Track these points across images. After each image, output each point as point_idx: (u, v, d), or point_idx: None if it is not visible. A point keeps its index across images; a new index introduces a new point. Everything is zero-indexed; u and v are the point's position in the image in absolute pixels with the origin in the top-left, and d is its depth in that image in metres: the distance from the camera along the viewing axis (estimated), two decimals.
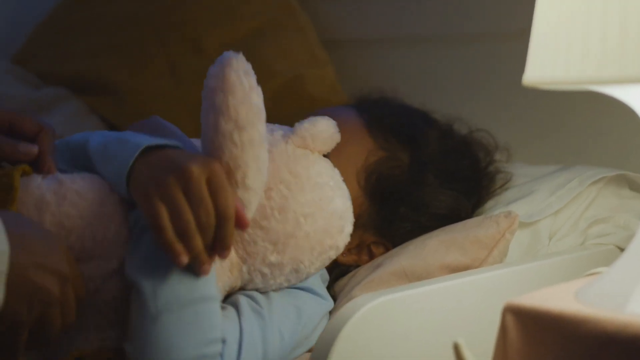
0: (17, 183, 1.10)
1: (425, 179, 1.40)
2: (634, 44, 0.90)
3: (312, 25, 1.98)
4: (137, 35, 1.93)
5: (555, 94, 1.49)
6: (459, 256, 1.27)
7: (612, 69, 0.90)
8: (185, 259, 1.04)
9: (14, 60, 2.00)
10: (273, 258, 1.17)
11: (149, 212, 1.05)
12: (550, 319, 0.98)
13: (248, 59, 1.89)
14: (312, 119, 1.19)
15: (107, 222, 1.11)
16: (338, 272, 1.38)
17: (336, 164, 1.29)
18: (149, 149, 1.09)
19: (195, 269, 1.07)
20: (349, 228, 1.22)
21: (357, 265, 1.39)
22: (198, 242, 1.05)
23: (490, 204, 1.44)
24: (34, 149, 1.12)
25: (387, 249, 1.39)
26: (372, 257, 1.39)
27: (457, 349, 0.96)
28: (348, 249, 1.38)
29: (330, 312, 1.26)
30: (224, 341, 1.10)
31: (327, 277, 1.33)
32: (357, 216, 1.35)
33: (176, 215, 1.04)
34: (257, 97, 1.07)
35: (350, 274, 1.37)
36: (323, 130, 1.18)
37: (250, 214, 1.11)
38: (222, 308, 1.14)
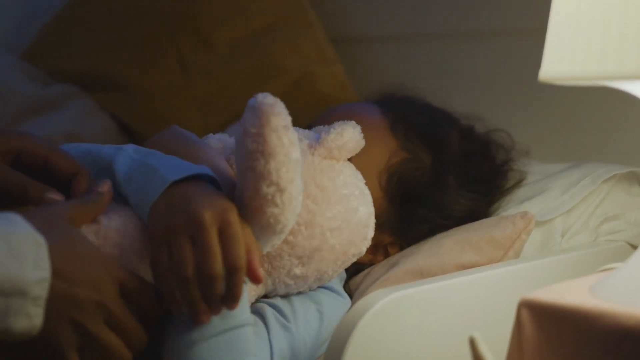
0: None
1: (446, 182, 1.39)
2: None
3: (320, 22, 1.98)
4: (147, 31, 1.93)
5: (568, 91, 1.50)
6: (474, 256, 1.28)
7: (632, 64, 0.90)
8: (178, 307, 1.03)
9: (23, 57, 2.00)
10: (298, 271, 1.18)
11: (152, 256, 1.04)
12: (566, 314, 0.98)
13: (258, 56, 1.92)
14: (338, 128, 1.18)
15: (147, 257, 1.09)
16: (353, 270, 1.38)
17: (359, 164, 1.30)
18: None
19: (192, 317, 1.04)
20: (371, 233, 1.23)
21: (371, 263, 1.39)
22: (194, 293, 1.02)
23: (502, 201, 1.44)
24: (58, 202, 1.07)
25: (403, 249, 1.39)
26: (387, 256, 1.40)
27: (473, 344, 0.96)
28: None
29: None
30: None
31: (344, 275, 1.34)
32: (376, 217, 1.35)
33: (175, 264, 1.02)
34: (296, 152, 1.04)
35: (364, 272, 1.37)
36: (350, 140, 1.18)
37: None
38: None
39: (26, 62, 1.97)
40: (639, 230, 1.35)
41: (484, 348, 0.95)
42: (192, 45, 1.92)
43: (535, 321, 1.00)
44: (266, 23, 1.95)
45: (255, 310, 1.17)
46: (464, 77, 1.86)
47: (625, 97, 1.07)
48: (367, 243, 1.23)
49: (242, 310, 1.08)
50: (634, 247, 1.33)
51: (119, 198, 1.11)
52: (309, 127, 1.28)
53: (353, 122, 1.19)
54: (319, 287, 1.24)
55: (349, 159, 1.23)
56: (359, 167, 1.32)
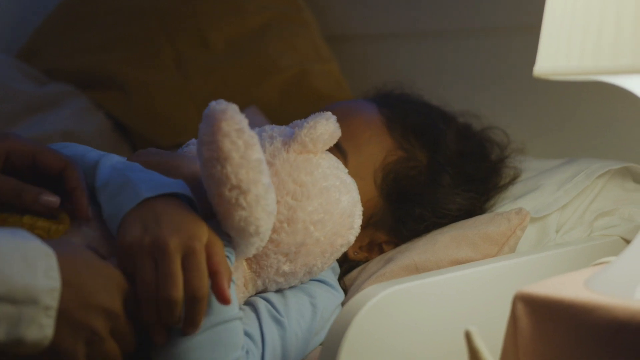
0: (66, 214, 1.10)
1: (442, 181, 1.39)
2: None
3: (316, 20, 1.99)
4: (143, 29, 1.94)
5: (563, 87, 1.51)
6: (469, 252, 1.28)
7: (626, 59, 0.91)
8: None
9: (19, 56, 2.01)
10: (286, 267, 1.18)
11: (120, 266, 1.04)
12: (561, 307, 0.98)
13: (254, 54, 1.92)
14: (311, 121, 1.17)
15: None
16: (347, 266, 1.38)
17: (355, 162, 1.30)
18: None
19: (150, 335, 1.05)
20: (358, 221, 1.23)
21: (367, 260, 1.39)
22: (150, 313, 1.03)
23: (497, 198, 1.44)
24: (56, 203, 1.08)
25: (397, 247, 1.39)
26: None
27: (468, 337, 0.96)
28: (359, 246, 1.39)
29: (342, 305, 1.27)
30: (247, 352, 1.11)
31: (338, 269, 1.34)
32: (371, 215, 1.36)
33: (137, 283, 1.03)
34: (255, 152, 1.05)
35: (360, 267, 1.37)
36: (323, 132, 1.17)
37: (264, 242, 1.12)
38: (243, 311, 1.15)
39: (22, 61, 1.98)
40: (633, 225, 1.35)
41: (479, 341, 0.96)
42: (188, 44, 1.92)
43: (530, 314, 1.01)
44: (262, 22, 1.96)
45: (248, 303, 1.18)
46: (460, 74, 1.87)
47: (619, 93, 1.08)
48: (355, 232, 1.22)
49: (231, 306, 1.09)
50: (628, 242, 1.34)
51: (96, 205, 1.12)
52: None
53: (327, 114, 1.18)
54: (312, 279, 1.24)
55: (344, 154, 1.23)
56: (354, 165, 1.32)
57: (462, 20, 1.87)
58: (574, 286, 1.03)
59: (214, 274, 1.05)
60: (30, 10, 2.12)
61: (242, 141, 1.03)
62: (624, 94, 1.05)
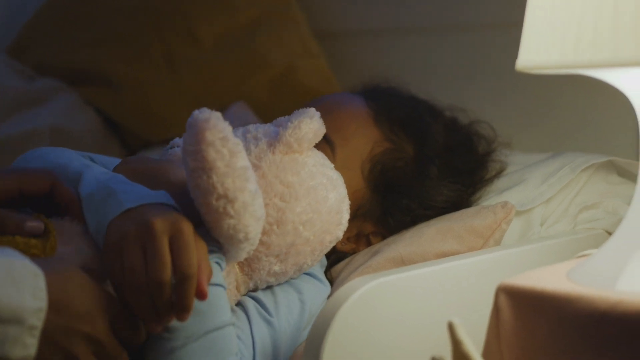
0: (51, 227, 1.09)
1: (429, 173, 1.40)
2: (628, 28, 0.91)
3: (304, 16, 2.00)
4: (133, 26, 1.94)
5: (546, 82, 1.51)
6: (455, 245, 1.29)
7: (606, 52, 0.92)
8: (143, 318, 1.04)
9: (8, 51, 2.01)
10: (277, 268, 1.19)
11: (104, 265, 1.04)
12: (543, 298, 1.00)
13: (243, 50, 1.93)
14: (295, 121, 1.17)
15: None
16: (335, 257, 1.39)
17: (342, 154, 1.31)
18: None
19: (146, 326, 1.05)
20: (346, 216, 1.24)
21: (354, 252, 1.40)
22: (144, 301, 1.02)
23: (483, 192, 1.45)
24: (40, 228, 1.08)
25: (385, 239, 1.40)
26: (369, 246, 1.41)
27: (451, 328, 0.97)
28: (346, 237, 1.40)
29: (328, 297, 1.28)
30: (240, 358, 1.11)
31: (325, 261, 1.35)
32: (358, 206, 1.36)
33: (126, 271, 1.02)
34: (240, 160, 1.05)
35: (347, 260, 1.38)
36: (307, 131, 1.17)
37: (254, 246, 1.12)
38: (233, 312, 1.16)
39: (11, 57, 1.98)
40: (617, 218, 1.36)
41: (462, 333, 0.97)
42: (178, 40, 1.93)
43: (512, 306, 1.02)
44: (251, 18, 1.96)
45: (238, 303, 1.18)
46: (446, 69, 1.88)
47: (604, 87, 1.08)
48: (343, 227, 1.23)
49: (222, 311, 1.09)
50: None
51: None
52: None
53: (311, 111, 1.18)
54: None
55: (332, 144, 1.23)
56: (342, 157, 1.33)
57: (449, 16, 1.88)
58: (556, 278, 1.04)
59: None
60: (19, 7, 2.12)
61: (226, 149, 1.03)
62: (608, 88, 1.06)
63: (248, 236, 1.07)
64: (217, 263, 1.11)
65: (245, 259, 1.16)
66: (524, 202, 1.38)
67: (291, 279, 1.24)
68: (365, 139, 1.39)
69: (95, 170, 1.15)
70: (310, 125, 1.17)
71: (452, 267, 1.19)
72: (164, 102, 1.89)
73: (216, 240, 1.10)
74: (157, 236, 1.02)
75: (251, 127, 1.21)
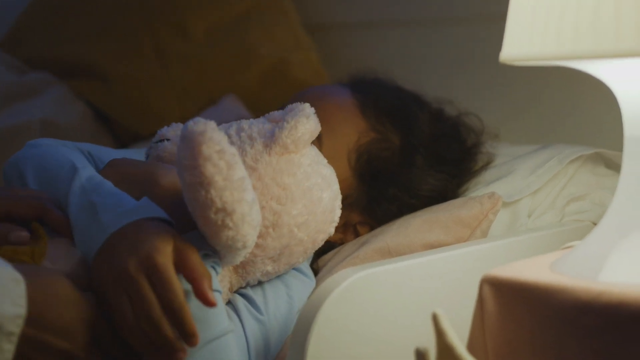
0: (43, 232, 1.10)
1: (415, 162, 1.41)
2: (609, 20, 0.92)
3: (295, 9, 2.00)
4: (123, 19, 1.94)
5: (533, 73, 1.52)
6: (441, 235, 1.29)
7: (587, 44, 0.92)
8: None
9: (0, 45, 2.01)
10: (270, 268, 1.19)
11: (104, 304, 1.04)
12: (526, 290, 1.00)
13: (234, 43, 1.93)
14: (292, 121, 1.15)
15: None
16: (322, 248, 1.39)
17: (329, 144, 1.30)
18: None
19: None
20: (338, 212, 1.23)
21: (342, 242, 1.41)
22: (143, 344, 1.03)
23: (471, 183, 1.46)
24: (26, 238, 1.09)
25: (373, 229, 1.41)
26: (357, 236, 1.41)
27: (435, 319, 0.97)
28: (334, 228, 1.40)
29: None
30: None
31: (311, 255, 1.35)
32: (345, 196, 1.37)
33: (117, 318, 1.03)
34: (237, 171, 1.03)
35: (334, 250, 1.38)
36: (304, 132, 1.15)
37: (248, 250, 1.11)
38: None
39: (2, 50, 1.98)
40: (604, 211, 1.36)
41: (446, 324, 0.97)
42: (168, 33, 1.93)
43: (496, 297, 1.02)
44: (242, 11, 1.96)
45: (227, 302, 1.18)
46: (436, 61, 1.88)
47: (585, 78, 1.09)
48: (335, 224, 1.23)
49: (220, 318, 1.09)
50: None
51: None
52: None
53: (306, 110, 1.16)
54: None
55: (323, 135, 1.23)
56: (328, 147, 1.33)
57: (438, 8, 1.88)
58: (539, 269, 1.04)
59: (192, 280, 1.04)
60: (11, 1, 2.11)
61: (224, 162, 1.01)
62: (596, 79, 1.06)
63: (246, 244, 1.06)
64: (213, 267, 1.10)
65: (241, 263, 1.16)
66: (512, 194, 1.38)
67: (281, 274, 1.24)
68: (351, 129, 1.39)
69: (84, 174, 1.14)
70: (307, 125, 1.15)
71: (438, 259, 1.20)
72: (154, 96, 1.89)
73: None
74: (133, 280, 1.02)
75: (244, 124, 1.18)
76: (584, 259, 1.02)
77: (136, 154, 1.34)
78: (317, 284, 1.29)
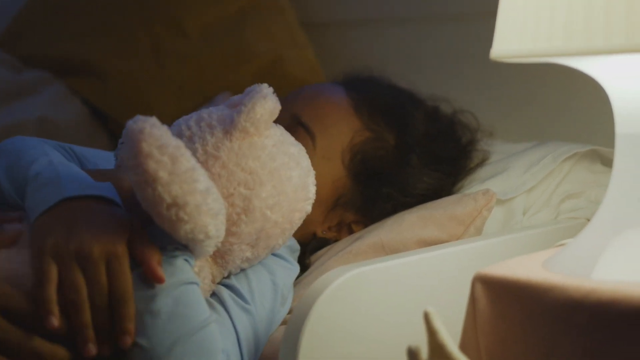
0: None
1: (410, 161, 1.40)
2: (600, 16, 0.91)
3: (291, 7, 2.00)
4: (120, 17, 1.94)
5: (528, 71, 1.51)
6: (435, 231, 1.29)
7: (578, 41, 0.92)
8: (55, 321, 1.03)
9: None
10: (249, 254, 1.17)
11: (39, 265, 1.04)
12: (517, 287, 0.99)
13: (230, 41, 1.93)
14: (249, 104, 1.11)
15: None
16: (315, 244, 1.39)
17: (322, 144, 1.30)
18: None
19: (77, 344, 1.04)
20: (312, 189, 1.20)
21: (336, 240, 1.40)
22: (86, 317, 1.04)
23: (465, 181, 1.46)
24: None
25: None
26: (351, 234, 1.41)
27: (427, 318, 0.97)
28: (328, 226, 1.40)
29: (301, 280, 1.29)
30: (227, 354, 1.10)
31: (297, 247, 1.33)
32: (340, 195, 1.37)
33: (69, 284, 1.03)
34: (183, 163, 1.02)
35: (328, 247, 1.38)
36: (262, 113, 1.12)
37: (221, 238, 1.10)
38: (210, 304, 1.15)
39: (1, 48, 1.98)
40: None
41: (438, 322, 0.96)
42: (165, 31, 1.93)
43: (488, 295, 1.02)
44: (238, 8, 1.96)
45: (213, 294, 1.17)
46: (431, 59, 1.88)
47: (580, 75, 1.08)
48: (311, 200, 1.19)
49: (200, 310, 1.08)
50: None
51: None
52: None
53: (263, 90, 1.12)
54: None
55: (311, 133, 1.21)
56: (322, 146, 1.33)
57: (434, 6, 1.88)
58: (531, 267, 1.04)
59: (142, 261, 1.05)
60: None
61: (167, 157, 1.01)
62: (586, 76, 1.05)
63: (209, 234, 1.05)
64: (186, 260, 1.10)
65: (218, 251, 1.15)
66: (506, 191, 1.38)
67: (263, 259, 1.22)
68: (345, 128, 1.39)
69: (53, 156, 1.15)
70: (264, 105, 1.11)
71: (432, 257, 1.19)
72: (151, 93, 1.89)
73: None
74: (95, 263, 1.04)
75: (204, 113, 1.16)
76: (577, 256, 1.02)
77: None
78: (309, 278, 1.29)
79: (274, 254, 1.25)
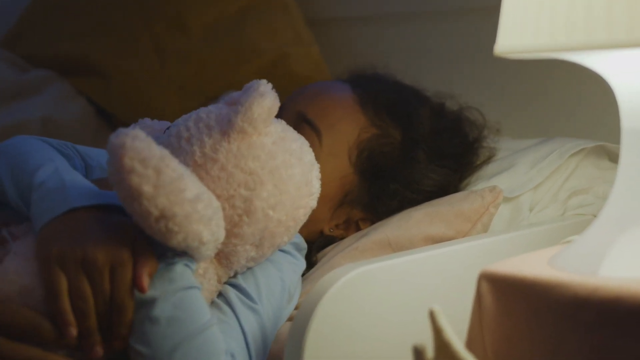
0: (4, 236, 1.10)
1: (416, 157, 1.40)
2: (602, 11, 0.91)
3: (295, 3, 1.99)
4: (122, 16, 1.95)
5: (535, 67, 1.51)
6: (442, 228, 1.29)
7: (581, 35, 0.91)
8: (74, 331, 1.04)
9: (1, 43, 2.01)
10: (254, 253, 1.16)
11: (48, 276, 1.05)
12: (523, 285, 0.99)
13: (232, 39, 1.92)
14: (246, 103, 1.09)
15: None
16: (322, 242, 1.38)
17: (329, 141, 1.29)
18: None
19: (83, 347, 1.06)
20: (317, 184, 1.18)
21: (343, 238, 1.40)
22: (92, 322, 1.05)
23: (472, 178, 1.45)
24: None
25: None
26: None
27: (432, 316, 0.97)
28: (335, 224, 1.40)
29: (308, 276, 1.29)
30: (233, 355, 1.10)
31: (304, 245, 1.32)
32: (347, 193, 1.36)
33: (77, 292, 1.05)
34: (168, 174, 1.01)
35: (335, 244, 1.38)
36: (260, 112, 1.09)
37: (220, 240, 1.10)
38: (216, 305, 1.15)
39: (4, 48, 1.98)
40: None
41: (443, 320, 0.96)
42: (167, 30, 1.93)
43: (493, 293, 1.01)
44: (242, 6, 1.96)
45: (219, 295, 1.17)
46: (437, 55, 1.88)
47: (586, 71, 1.07)
48: (316, 196, 1.18)
49: (201, 314, 1.08)
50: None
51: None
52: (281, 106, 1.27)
53: (260, 87, 1.09)
54: None
55: (317, 130, 1.20)
56: (328, 143, 1.33)
57: (439, 1, 1.88)
58: (537, 264, 1.03)
59: (134, 270, 1.06)
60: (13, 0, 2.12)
61: (150, 170, 1.00)
62: (592, 72, 1.05)
63: (203, 240, 1.04)
64: (187, 265, 1.09)
65: (222, 253, 1.14)
66: (513, 188, 1.37)
67: (269, 256, 1.21)
68: (351, 125, 1.38)
69: (59, 164, 1.15)
70: (262, 104, 1.08)
71: (438, 255, 1.19)
72: (154, 92, 1.89)
73: None
74: (100, 271, 1.05)
75: (203, 112, 1.14)
76: (583, 253, 1.01)
77: None
78: (316, 274, 1.28)
79: (280, 250, 1.24)
